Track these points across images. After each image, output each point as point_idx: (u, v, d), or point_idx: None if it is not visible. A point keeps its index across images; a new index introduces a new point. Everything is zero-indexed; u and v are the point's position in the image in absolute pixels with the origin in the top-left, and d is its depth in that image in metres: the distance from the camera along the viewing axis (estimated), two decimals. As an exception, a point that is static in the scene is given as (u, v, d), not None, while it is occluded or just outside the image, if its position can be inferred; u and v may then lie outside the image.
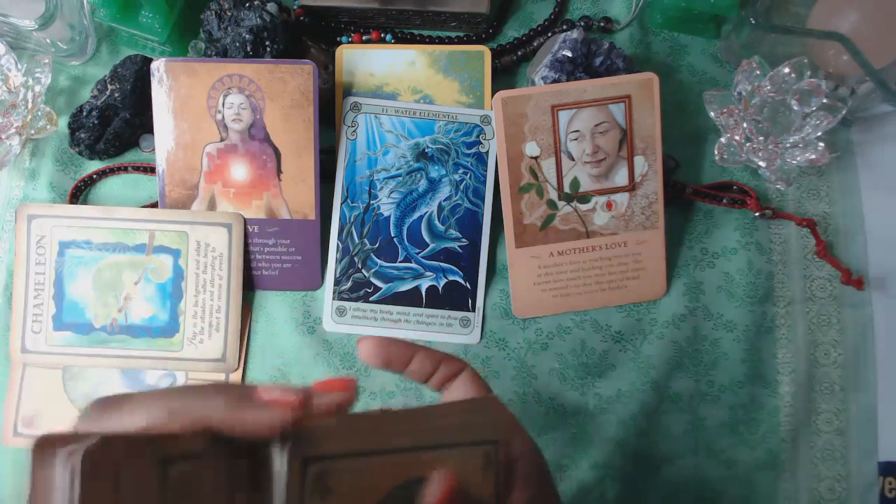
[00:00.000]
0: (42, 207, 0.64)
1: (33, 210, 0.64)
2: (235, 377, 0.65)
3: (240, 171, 0.65)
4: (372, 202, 0.66)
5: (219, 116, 0.64)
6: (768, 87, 0.62)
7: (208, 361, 0.65)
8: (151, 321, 0.65)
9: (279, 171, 0.65)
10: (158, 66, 0.63)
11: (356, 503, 0.31)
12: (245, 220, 0.65)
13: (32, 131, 0.66)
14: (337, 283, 0.65)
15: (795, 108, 0.62)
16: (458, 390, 0.43)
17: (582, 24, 0.70)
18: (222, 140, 0.64)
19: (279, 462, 0.28)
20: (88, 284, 0.64)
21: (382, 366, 0.42)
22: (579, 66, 0.65)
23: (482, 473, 0.36)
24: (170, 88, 0.63)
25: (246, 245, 0.66)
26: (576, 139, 0.64)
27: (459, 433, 0.36)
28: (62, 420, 0.64)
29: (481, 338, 0.66)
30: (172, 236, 0.65)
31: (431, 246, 0.66)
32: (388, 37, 0.70)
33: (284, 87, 0.63)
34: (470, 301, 0.66)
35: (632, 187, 0.65)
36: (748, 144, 0.64)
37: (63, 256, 0.64)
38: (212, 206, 0.65)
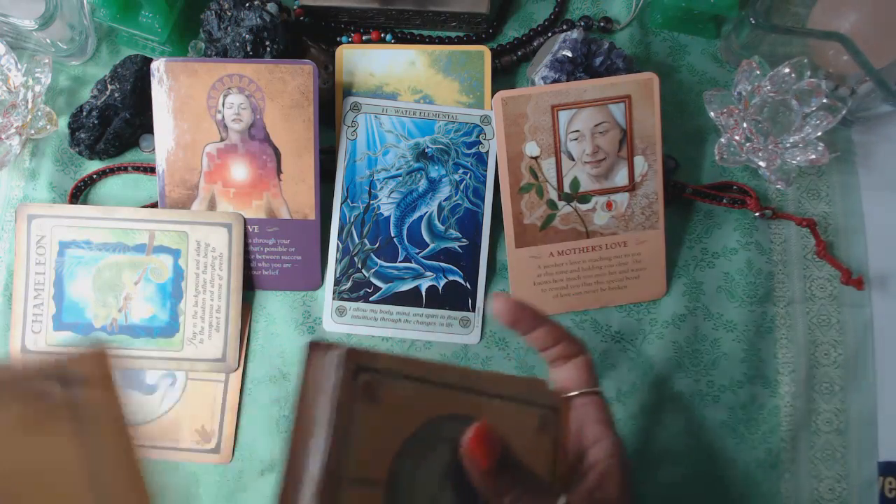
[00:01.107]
0: (42, 207, 0.64)
1: (33, 210, 0.64)
2: (235, 378, 0.65)
3: (240, 171, 0.65)
4: (372, 202, 0.66)
5: (219, 116, 0.64)
6: (768, 87, 0.62)
7: (208, 361, 0.65)
8: (151, 321, 0.64)
9: (279, 171, 0.65)
10: (158, 66, 0.63)
11: (400, 418, 0.36)
12: (245, 220, 0.65)
13: (32, 131, 0.66)
14: (337, 283, 0.65)
15: (795, 108, 0.62)
16: (567, 371, 0.46)
17: (582, 24, 0.70)
18: (222, 140, 0.64)
19: (334, 368, 0.34)
20: (88, 284, 0.64)
21: (510, 324, 0.46)
22: (579, 66, 0.65)
23: (536, 434, 0.40)
24: (170, 88, 0.63)
25: (246, 245, 0.66)
26: (576, 139, 0.64)
27: (516, 389, 0.40)
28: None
29: (481, 338, 0.66)
30: (172, 236, 0.64)
31: (431, 246, 0.66)
32: (388, 37, 0.70)
33: (284, 87, 0.63)
34: (470, 301, 0.66)
35: (632, 187, 0.65)
36: (748, 144, 0.64)
37: (63, 256, 0.64)
38: (212, 206, 0.65)
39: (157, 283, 0.65)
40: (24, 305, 0.64)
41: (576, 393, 0.46)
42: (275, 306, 0.67)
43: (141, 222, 0.65)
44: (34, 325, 0.64)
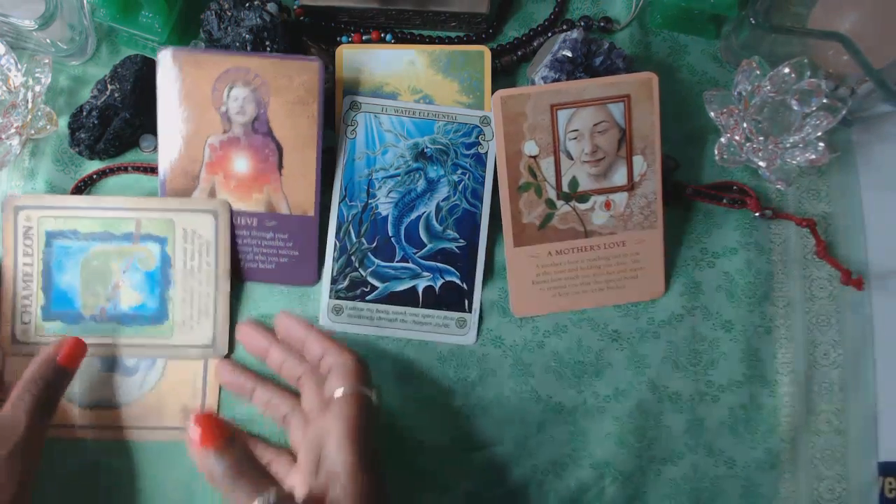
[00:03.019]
0: (28, 198, 0.65)
1: (20, 202, 0.64)
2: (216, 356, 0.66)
3: (241, 163, 0.65)
4: (370, 201, 0.66)
5: (223, 108, 0.64)
6: (768, 87, 0.62)
7: (198, 348, 0.65)
8: (140, 309, 0.65)
9: (280, 166, 0.65)
10: (165, 56, 0.63)
11: None
12: (231, 207, 0.65)
13: (32, 131, 0.66)
14: (334, 281, 0.66)
15: (795, 108, 0.62)
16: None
17: (582, 24, 0.70)
18: (225, 132, 0.64)
19: None
20: (76, 274, 0.64)
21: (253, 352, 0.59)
22: (579, 66, 0.64)
23: None
24: (175, 78, 0.63)
25: (233, 232, 0.66)
26: (575, 138, 0.64)
27: None
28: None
29: (478, 338, 0.66)
30: (159, 224, 0.65)
31: (429, 246, 0.66)
32: (388, 37, 0.70)
33: (290, 83, 0.63)
34: (466, 302, 0.66)
35: (630, 187, 0.64)
36: (748, 144, 0.63)
37: (51, 247, 0.64)
38: (212, 196, 0.65)
39: (145, 271, 0.65)
40: (12, 297, 0.65)
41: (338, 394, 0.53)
42: (270, 304, 0.67)
43: (127, 211, 0.65)
44: (23, 316, 0.64)
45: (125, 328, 0.64)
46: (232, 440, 0.51)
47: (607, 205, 0.65)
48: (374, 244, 0.66)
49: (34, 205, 0.64)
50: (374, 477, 0.51)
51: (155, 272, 0.65)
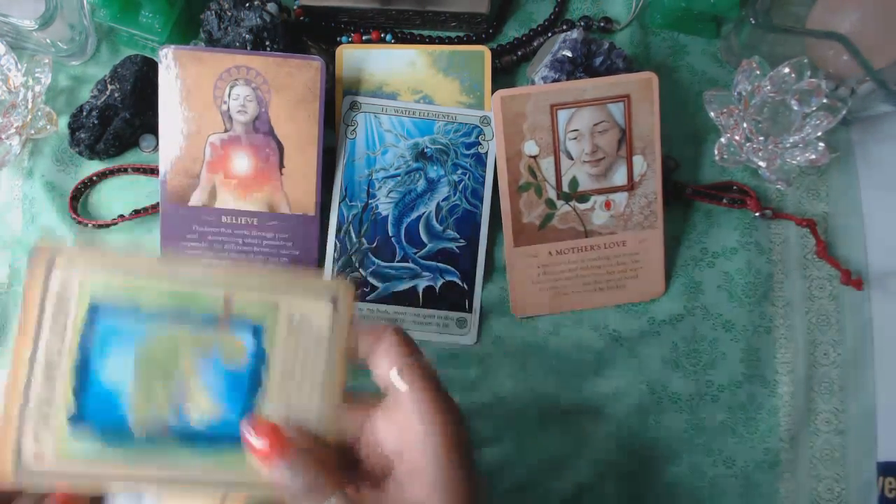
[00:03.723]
0: (70, 250, 0.40)
1: (57, 252, 0.39)
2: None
3: (242, 162, 0.65)
4: (370, 201, 0.66)
5: (224, 107, 0.64)
6: (768, 87, 0.62)
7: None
8: (219, 428, 0.42)
9: (281, 166, 0.65)
10: (166, 53, 0.62)
11: None
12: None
13: (32, 131, 0.66)
14: (335, 282, 0.66)
15: (795, 108, 0.62)
16: (380, 357, 0.41)
17: (582, 24, 0.70)
18: (226, 131, 0.64)
19: None
20: (128, 367, 0.41)
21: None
22: (579, 66, 0.64)
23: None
24: (176, 76, 0.63)
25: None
26: (575, 138, 0.64)
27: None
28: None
29: (478, 338, 0.66)
30: (256, 305, 0.43)
31: (429, 246, 0.66)
32: (388, 37, 0.70)
33: (291, 82, 0.63)
34: (467, 302, 0.66)
35: (630, 187, 0.64)
36: (748, 144, 0.63)
37: (94, 324, 0.41)
38: (212, 196, 0.65)
39: (230, 370, 0.42)
40: (23, 398, 0.39)
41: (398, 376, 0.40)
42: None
43: (214, 281, 0.42)
44: (38, 431, 0.40)
45: (191, 453, 0.42)
46: (296, 445, 0.40)
47: (607, 205, 0.65)
48: (375, 244, 0.66)
49: (77, 260, 0.40)
50: (473, 481, 0.40)
51: (244, 374, 0.42)
